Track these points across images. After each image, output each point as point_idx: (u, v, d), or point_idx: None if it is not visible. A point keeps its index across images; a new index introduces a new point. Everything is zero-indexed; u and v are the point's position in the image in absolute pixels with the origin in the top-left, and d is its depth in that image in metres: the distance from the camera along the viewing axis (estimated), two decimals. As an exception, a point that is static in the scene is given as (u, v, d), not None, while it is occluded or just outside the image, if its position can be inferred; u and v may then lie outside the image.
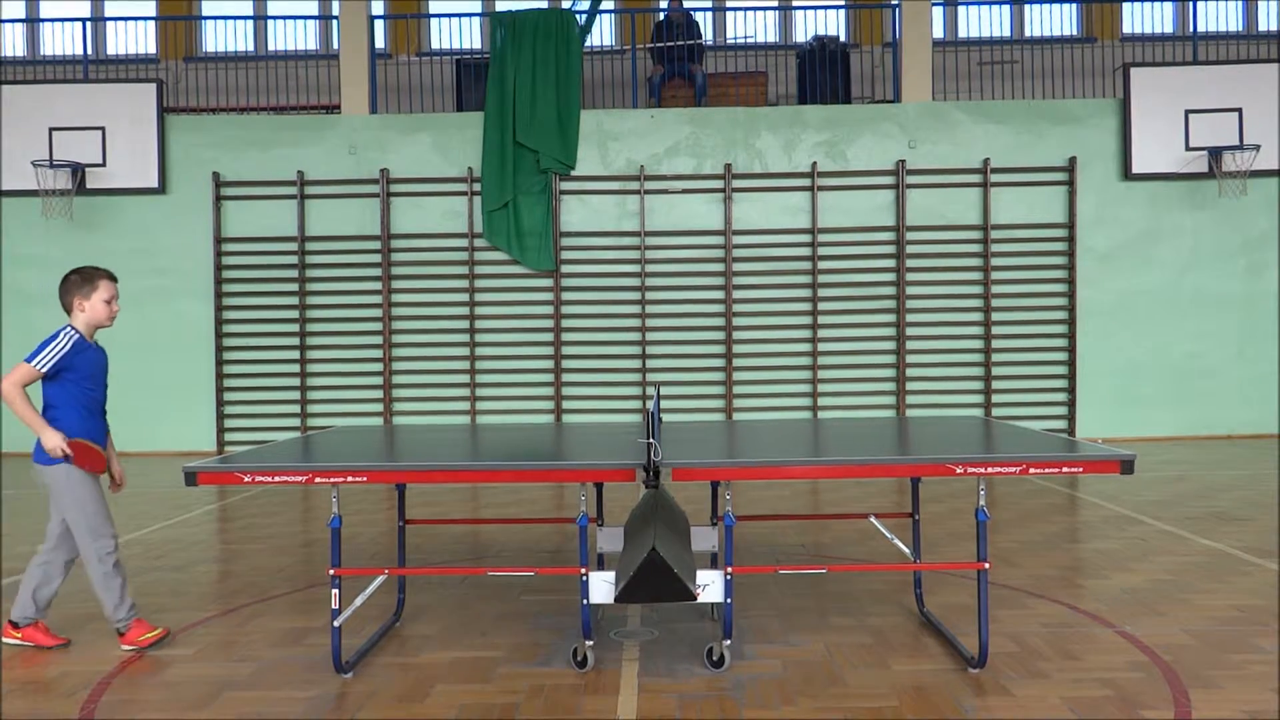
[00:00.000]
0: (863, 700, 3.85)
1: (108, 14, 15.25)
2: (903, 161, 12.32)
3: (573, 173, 12.40)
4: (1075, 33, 15.10)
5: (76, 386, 4.55)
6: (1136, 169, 12.30)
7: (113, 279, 4.69)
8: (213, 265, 12.41)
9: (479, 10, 15.17)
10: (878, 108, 12.78)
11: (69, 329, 4.56)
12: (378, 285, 12.48)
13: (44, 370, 4.45)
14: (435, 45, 15.31)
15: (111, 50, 15.09)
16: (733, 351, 12.36)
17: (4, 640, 4.65)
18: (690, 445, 4.71)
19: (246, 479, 4.03)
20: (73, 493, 4.48)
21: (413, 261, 12.49)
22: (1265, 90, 12.21)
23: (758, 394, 12.38)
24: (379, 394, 12.44)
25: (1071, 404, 12.37)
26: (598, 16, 12.82)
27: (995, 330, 12.33)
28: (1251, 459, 10.61)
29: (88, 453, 4.48)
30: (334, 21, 14.04)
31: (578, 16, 12.51)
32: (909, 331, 12.34)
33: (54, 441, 4.40)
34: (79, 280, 4.61)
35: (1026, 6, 14.87)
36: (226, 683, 4.17)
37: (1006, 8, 14.94)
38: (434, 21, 15.27)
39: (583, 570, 4.13)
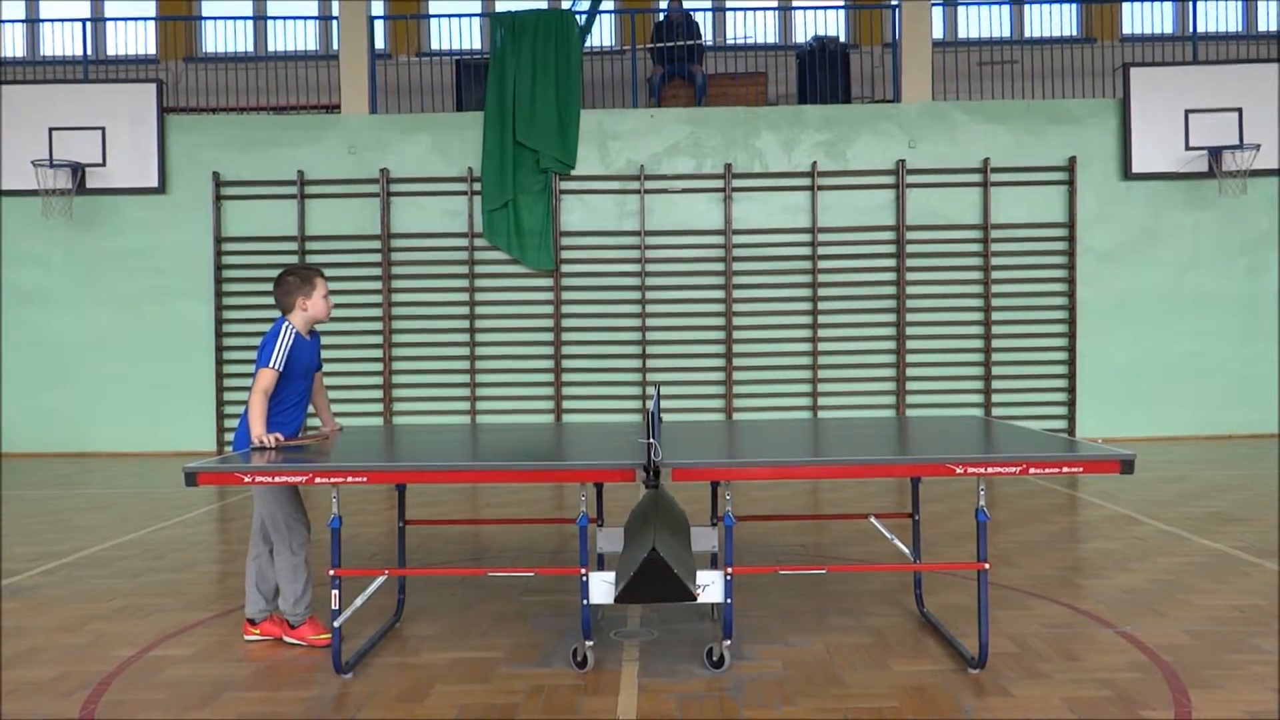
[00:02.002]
0: (863, 700, 3.85)
1: (108, 14, 15.26)
2: (903, 161, 12.32)
3: (573, 172, 12.39)
4: (1075, 33, 15.09)
5: (288, 382, 4.67)
6: (1136, 169, 12.30)
7: (324, 275, 4.89)
8: (213, 265, 12.41)
9: (479, 10, 15.17)
10: (878, 108, 12.78)
11: (288, 324, 4.68)
12: (378, 285, 12.47)
13: (281, 369, 4.58)
14: (435, 45, 15.31)
15: (111, 50, 15.09)
16: (733, 351, 12.36)
17: (246, 637, 4.76)
18: (690, 445, 4.71)
19: (246, 479, 4.04)
20: (269, 487, 4.60)
21: (413, 261, 12.49)
22: (1265, 90, 12.20)
23: (758, 394, 12.38)
24: (379, 394, 12.44)
25: (1071, 404, 12.37)
26: (598, 17, 12.81)
27: (995, 330, 12.33)
28: (1251, 459, 10.61)
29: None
30: (334, 22, 14.03)
31: (578, 17, 12.51)
32: (909, 331, 12.34)
33: (257, 430, 4.49)
34: (298, 281, 4.76)
35: (1026, 6, 14.87)
36: (226, 683, 4.17)
37: (1006, 8, 14.94)
38: (434, 22, 15.27)
39: (583, 570, 4.13)
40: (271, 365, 4.55)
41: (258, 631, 4.75)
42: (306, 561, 4.69)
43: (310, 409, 5.04)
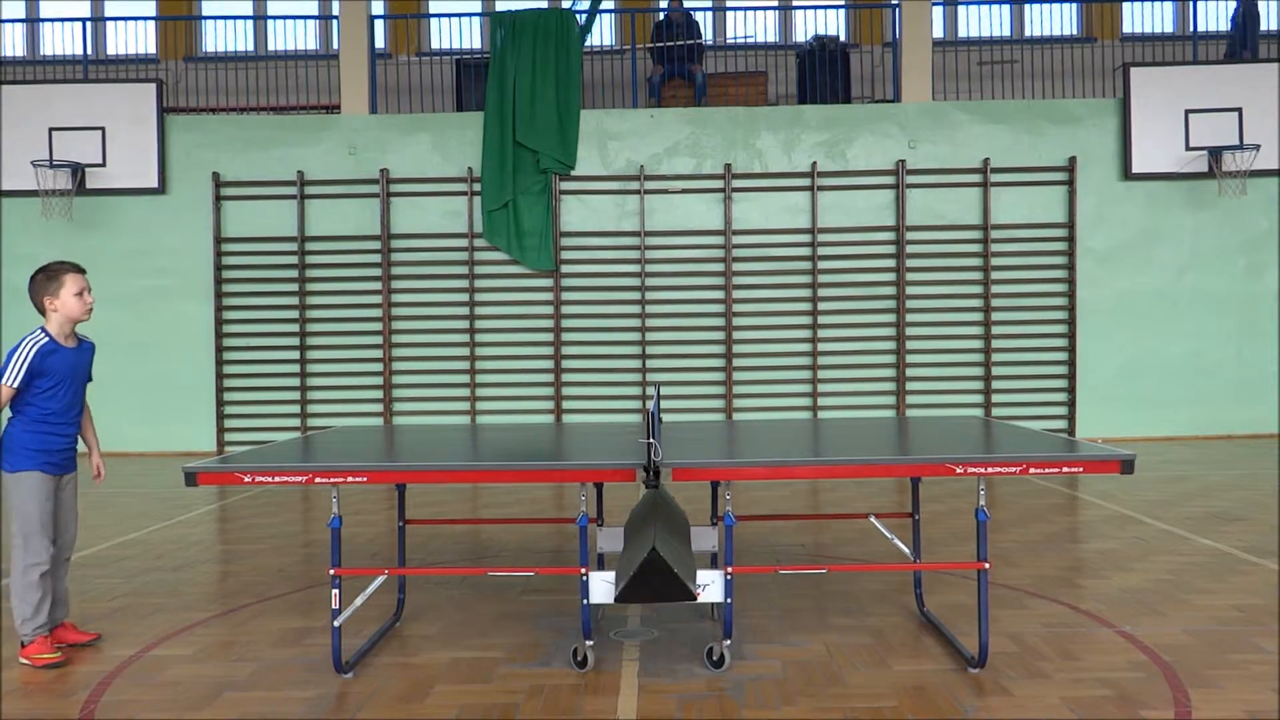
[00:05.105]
0: (863, 700, 3.85)
1: (108, 14, 15.25)
2: (903, 161, 12.32)
3: (573, 173, 12.39)
4: (1075, 33, 15.10)
5: (44, 393, 4.48)
6: (1136, 169, 12.30)
7: (80, 271, 4.64)
8: (213, 265, 12.41)
9: (479, 10, 15.17)
10: (878, 108, 12.78)
11: (35, 333, 4.51)
12: (378, 285, 12.47)
13: (16, 385, 4.40)
14: (435, 45, 15.31)
15: (111, 50, 15.09)
16: (733, 351, 12.36)
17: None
18: (690, 445, 4.71)
19: (246, 479, 4.03)
20: (16, 498, 4.42)
21: (413, 261, 12.49)
22: (1265, 90, 12.21)
23: (758, 394, 12.38)
24: (379, 394, 12.44)
25: (1071, 404, 12.37)
26: (598, 16, 12.82)
27: (995, 330, 12.33)
28: (1251, 459, 10.61)
29: None
30: (334, 21, 14.03)
31: (578, 16, 12.51)
32: (909, 331, 12.34)
33: None
34: (44, 279, 4.57)
35: (1026, 6, 14.87)
36: (226, 683, 4.17)
37: (1006, 8, 14.94)
38: (434, 21, 15.28)
39: (583, 570, 4.13)
40: (5, 381, 4.36)
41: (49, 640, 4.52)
42: (42, 578, 4.40)
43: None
